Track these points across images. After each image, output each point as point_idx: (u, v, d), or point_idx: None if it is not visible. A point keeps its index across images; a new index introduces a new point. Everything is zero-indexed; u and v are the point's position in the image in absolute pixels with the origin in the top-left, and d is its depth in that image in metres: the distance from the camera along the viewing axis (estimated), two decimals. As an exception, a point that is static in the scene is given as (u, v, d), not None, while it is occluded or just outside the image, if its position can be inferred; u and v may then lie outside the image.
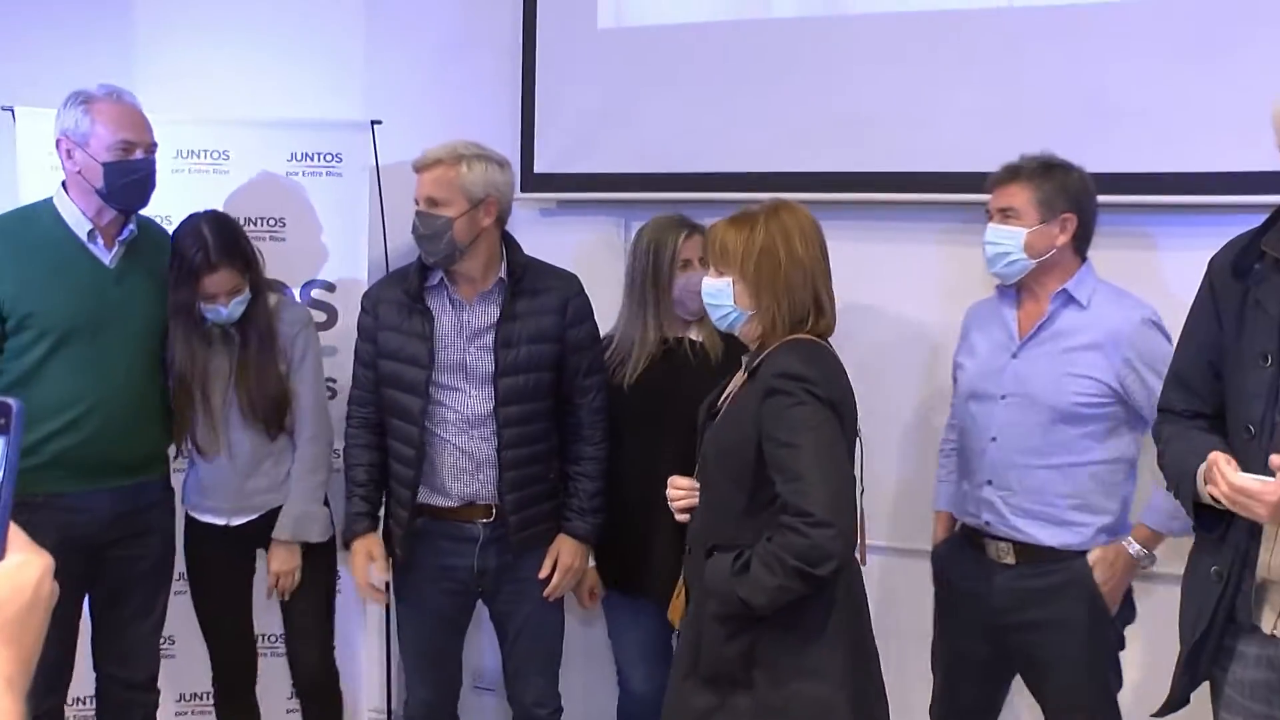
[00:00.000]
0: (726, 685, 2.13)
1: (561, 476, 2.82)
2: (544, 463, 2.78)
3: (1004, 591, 2.49)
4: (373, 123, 3.36)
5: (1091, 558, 2.43)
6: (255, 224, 3.24)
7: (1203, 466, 1.85)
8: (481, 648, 3.42)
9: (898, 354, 3.05)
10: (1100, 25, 2.78)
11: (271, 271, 3.01)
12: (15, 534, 0.92)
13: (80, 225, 2.75)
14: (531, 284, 2.73)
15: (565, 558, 2.77)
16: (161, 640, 3.30)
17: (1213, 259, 2.00)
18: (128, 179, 2.72)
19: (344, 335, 3.16)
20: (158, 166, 3.04)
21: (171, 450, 2.97)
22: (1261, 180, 2.57)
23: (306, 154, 3.35)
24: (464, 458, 2.71)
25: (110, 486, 2.77)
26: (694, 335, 2.81)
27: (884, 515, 3.01)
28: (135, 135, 2.74)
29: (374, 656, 3.51)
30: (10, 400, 0.91)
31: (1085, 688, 2.46)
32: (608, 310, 2.92)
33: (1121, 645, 2.52)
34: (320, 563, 2.97)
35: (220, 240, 2.78)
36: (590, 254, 3.32)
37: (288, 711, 3.35)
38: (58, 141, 2.75)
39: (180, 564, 3.07)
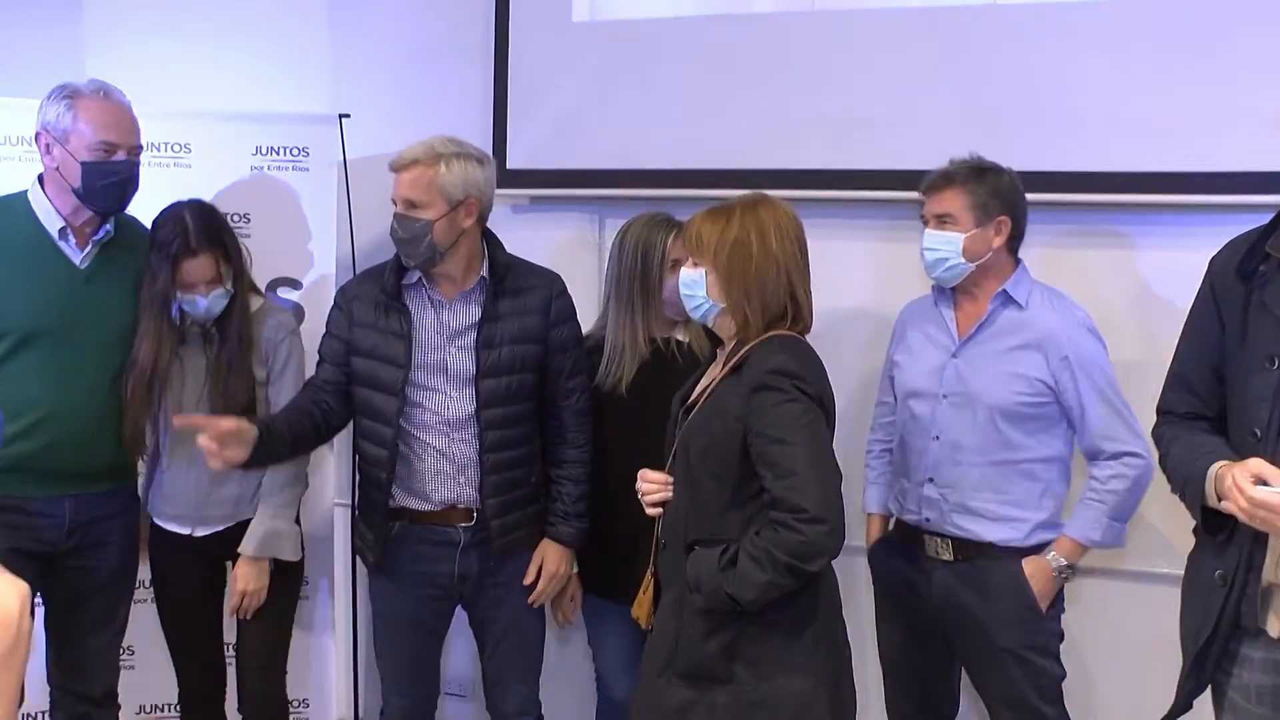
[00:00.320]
0: (705, 680, 2.12)
1: (544, 480, 2.76)
2: (527, 466, 2.72)
3: (941, 587, 2.54)
4: (340, 116, 3.27)
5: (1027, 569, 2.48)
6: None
7: (1213, 470, 1.84)
8: (455, 653, 3.35)
9: (875, 350, 3.03)
10: (1085, 22, 2.78)
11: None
12: None
13: (52, 222, 2.64)
14: (514, 283, 2.67)
15: (550, 564, 2.71)
16: (123, 651, 3.21)
17: (1213, 260, 2.00)
18: (106, 180, 2.61)
19: (311, 335, 3.06)
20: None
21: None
22: (1245, 181, 2.62)
23: (272, 148, 3.26)
24: (444, 461, 2.64)
25: (71, 493, 2.66)
26: (680, 335, 2.77)
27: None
28: (118, 136, 2.63)
29: (341, 664, 3.44)
30: None
31: (1021, 680, 2.49)
32: (581, 309, 2.85)
33: (1060, 637, 2.55)
34: (286, 585, 2.86)
35: (202, 225, 2.68)
36: (564, 252, 3.27)
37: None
38: (37, 135, 2.64)
39: (144, 572, 2.97)
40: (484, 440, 2.62)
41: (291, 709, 3.06)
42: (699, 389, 2.28)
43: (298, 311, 3.15)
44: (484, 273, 2.67)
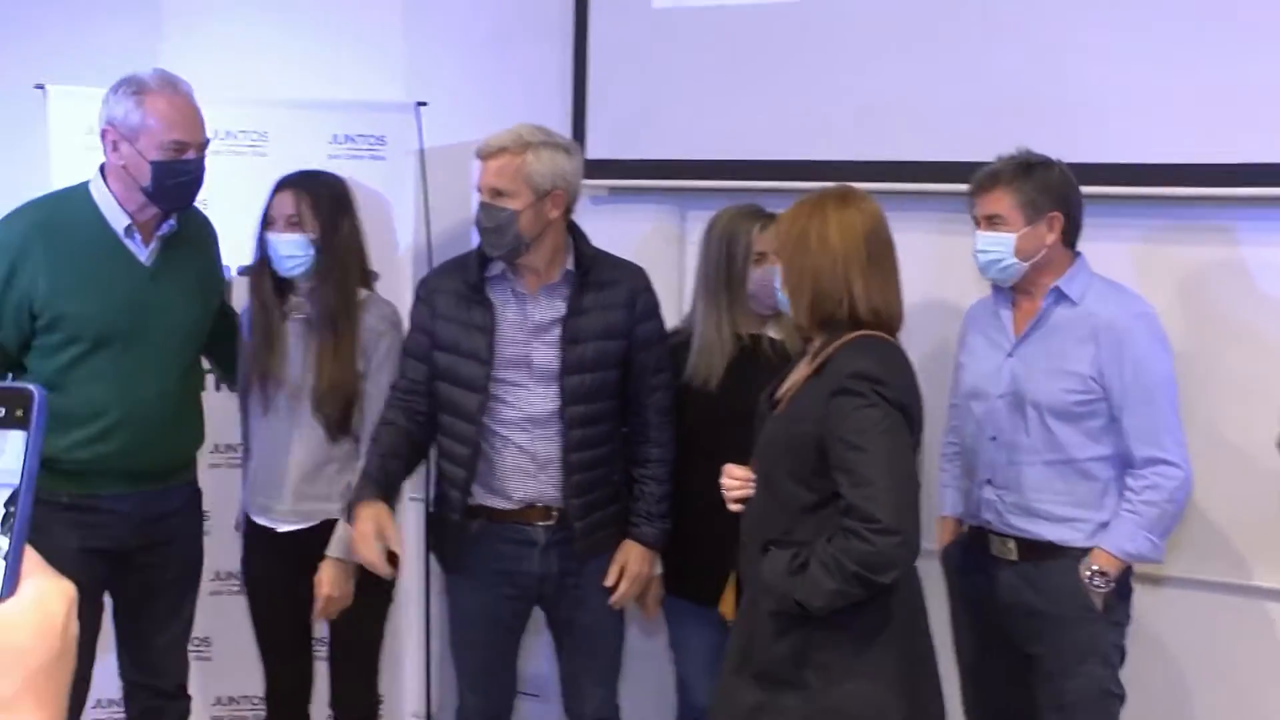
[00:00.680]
0: (776, 683, 2.09)
1: (627, 479, 2.70)
2: (609, 465, 2.65)
3: (1006, 588, 2.49)
4: (418, 104, 3.22)
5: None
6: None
7: None
8: (531, 652, 3.30)
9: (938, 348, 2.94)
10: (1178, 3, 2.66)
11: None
12: (31, 556, 0.69)
13: (118, 219, 2.56)
14: (598, 277, 2.60)
15: (633, 565, 2.65)
16: (198, 641, 3.20)
17: None
18: (177, 180, 2.54)
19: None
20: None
21: (201, 452, 2.83)
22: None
23: (349, 136, 3.22)
24: (526, 458, 2.58)
25: (138, 490, 2.61)
26: (772, 332, 2.69)
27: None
28: (189, 135, 2.55)
29: (414, 658, 3.41)
30: (31, 386, 0.71)
31: (1074, 686, 2.43)
32: (664, 305, 2.78)
33: (1121, 652, 2.46)
34: (378, 588, 2.76)
35: (310, 174, 2.71)
36: (645, 245, 3.19)
37: (212, 718, 3.25)
38: (104, 131, 2.55)
39: (228, 563, 2.95)
40: (568, 439, 2.56)
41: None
42: (785, 387, 2.22)
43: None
44: (569, 266, 2.60)
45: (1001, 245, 2.44)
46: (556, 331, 2.56)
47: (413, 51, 3.51)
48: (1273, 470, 2.51)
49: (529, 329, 2.58)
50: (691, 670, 2.83)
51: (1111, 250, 2.63)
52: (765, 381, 2.34)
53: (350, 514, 2.56)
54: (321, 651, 2.97)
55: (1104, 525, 2.41)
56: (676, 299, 3.13)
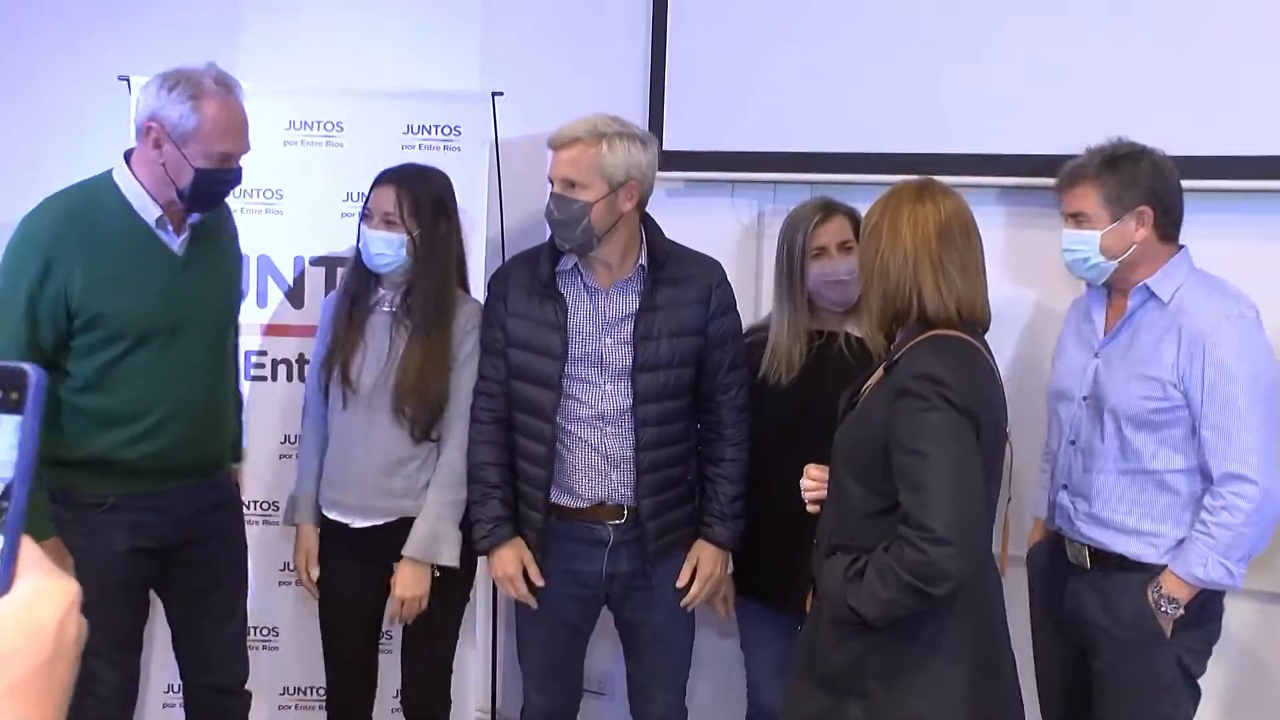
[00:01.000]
0: (839, 690, 2.03)
1: (700, 479, 2.63)
2: (683, 464, 2.59)
3: (1075, 596, 2.39)
4: (493, 94, 3.18)
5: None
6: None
7: None
8: (596, 650, 3.24)
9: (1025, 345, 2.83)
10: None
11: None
12: (30, 551, 0.65)
13: (148, 210, 2.46)
14: (673, 272, 2.54)
15: (705, 566, 2.59)
16: (266, 632, 3.21)
17: None
18: (216, 188, 2.48)
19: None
20: (270, 137, 2.88)
21: (270, 443, 2.81)
22: None
23: (424, 127, 3.18)
24: (596, 456, 2.53)
25: (184, 485, 2.55)
26: (852, 329, 2.60)
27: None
28: (237, 145, 2.46)
29: (480, 655, 3.38)
30: (26, 366, 0.65)
31: (1130, 708, 2.31)
32: (740, 302, 2.71)
33: (1189, 678, 2.32)
34: (454, 591, 2.72)
35: (410, 169, 2.66)
36: (721, 239, 3.11)
37: (280, 708, 3.22)
38: (147, 127, 2.42)
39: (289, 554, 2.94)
40: (640, 437, 2.50)
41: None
42: (865, 388, 2.14)
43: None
44: (642, 260, 2.54)
45: (1086, 244, 2.33)
46: (629, 327, 2.50)
47: (489, 41, 3.47)
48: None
49: (601, 324, 2.52)
50: (762, 672, 2.77)
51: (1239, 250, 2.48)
52: (842, 379, 2.27)
53: (485, 553, 2.60)
54: (387, 647, 2.94)
55: (1181, 543, 2.28)
56: (753, 295, 3.07)
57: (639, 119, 3.07)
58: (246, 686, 2.78)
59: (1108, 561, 2.34)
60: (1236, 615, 2.50)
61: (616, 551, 2.57)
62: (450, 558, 2.64)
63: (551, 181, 2.50)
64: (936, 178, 2.18)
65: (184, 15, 3.48)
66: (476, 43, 3.47)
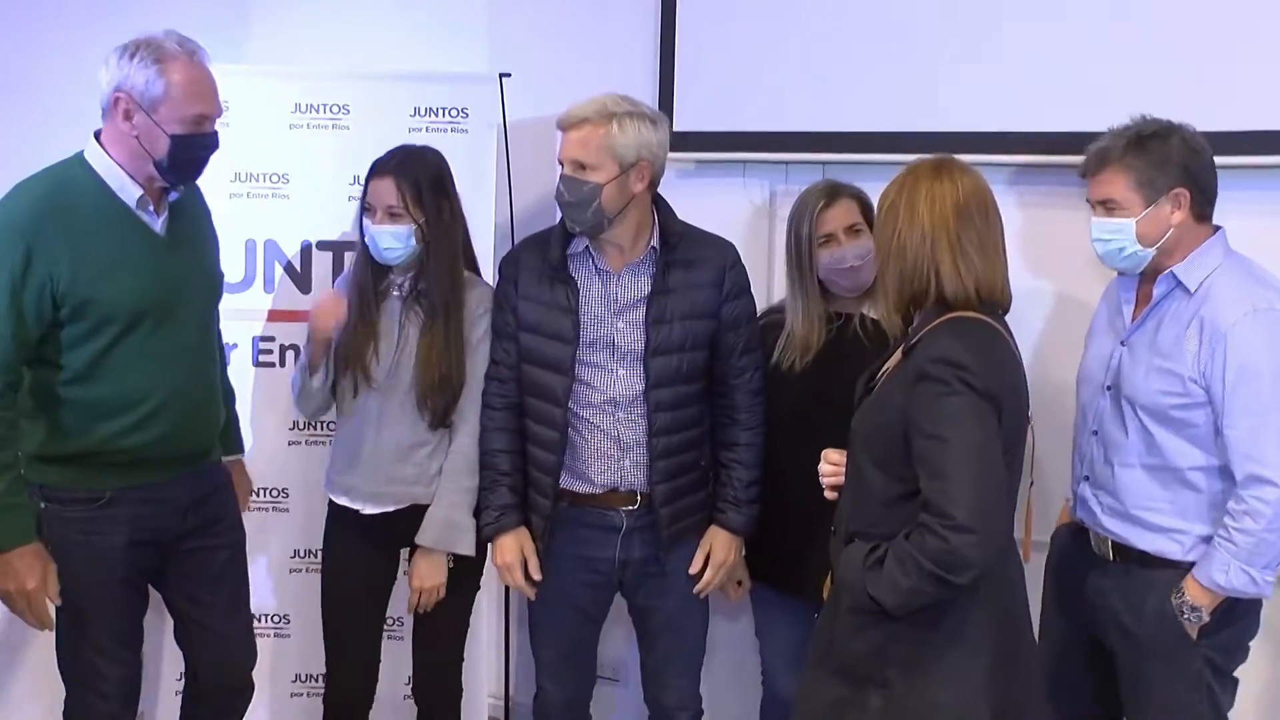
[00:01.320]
0: (859, 679, 2.01)
1: (713, 464, 2.60)
2: (697, 449, 2.56)
3: (1095, 590, 2.33)
4: (501, 75, 3.14)
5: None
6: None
7: None
8: (609, 637, 3.22)
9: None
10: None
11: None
12: None
13: (127, 191, 2.38)
14: (685, 254, 2.50)
15: (719, 552, 2.56)
16: (277, 619, 3.19)
17: None
18: (195, 155, 2.39)
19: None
20: (276, 121, 2.84)
21: (279, 429, 2.78)
22: None
23: (431, 109, 3.15)
24: (609, 442, 2.50)
25: (182, 473, 2.50)
26: (869, 311, 2.56)
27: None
28: (209, 106, 2.39)
29: (492, 643, 3.36)
30: None
31: (1155, 707, 2.26)
32: (753, 285, 2.66)
33: (1218, 675, 2.25)
34: (467, 579, 2.70)
35: (402, 155, 2.59)
36: (732, 220, 3.07)
37: (291, 695, 3.20)
38: (115, 98, 2.34)
39: (303, 541, 2.92)
40: (653, 422, 2.47)
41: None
42: (881, 372, 2.11)
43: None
44: (654, 242, 2.51)
45: (1120, 232, 2.21)
46: (641, 311, 2.47)
47: (496, 21, 3.43)
48: None
49: (613, 308, 2.49)
50: (777, 659, 2.75)
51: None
52: (858, 363, 2.23)
53: (491, 539, 2.58)
54: (398, 634, 2.91)
55: (1205, 540, 2.20)
56: (765, 277, 3.03)
57: (649, 99, 3.04)
58: (253, 676, 2.75)
59: (1130, 556, 2.28)
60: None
61: (629, 538, 2.54)
62: (467, 546, 2.62)
63: (561, 163, 2.46)
64: (954, 156, 2.13)
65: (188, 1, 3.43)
66: (483, 23, 3.43)
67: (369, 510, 2.67)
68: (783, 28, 3.02)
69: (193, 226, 2.55)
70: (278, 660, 3.18)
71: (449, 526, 2.60)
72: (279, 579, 3.17)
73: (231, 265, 2.91)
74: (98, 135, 2.42)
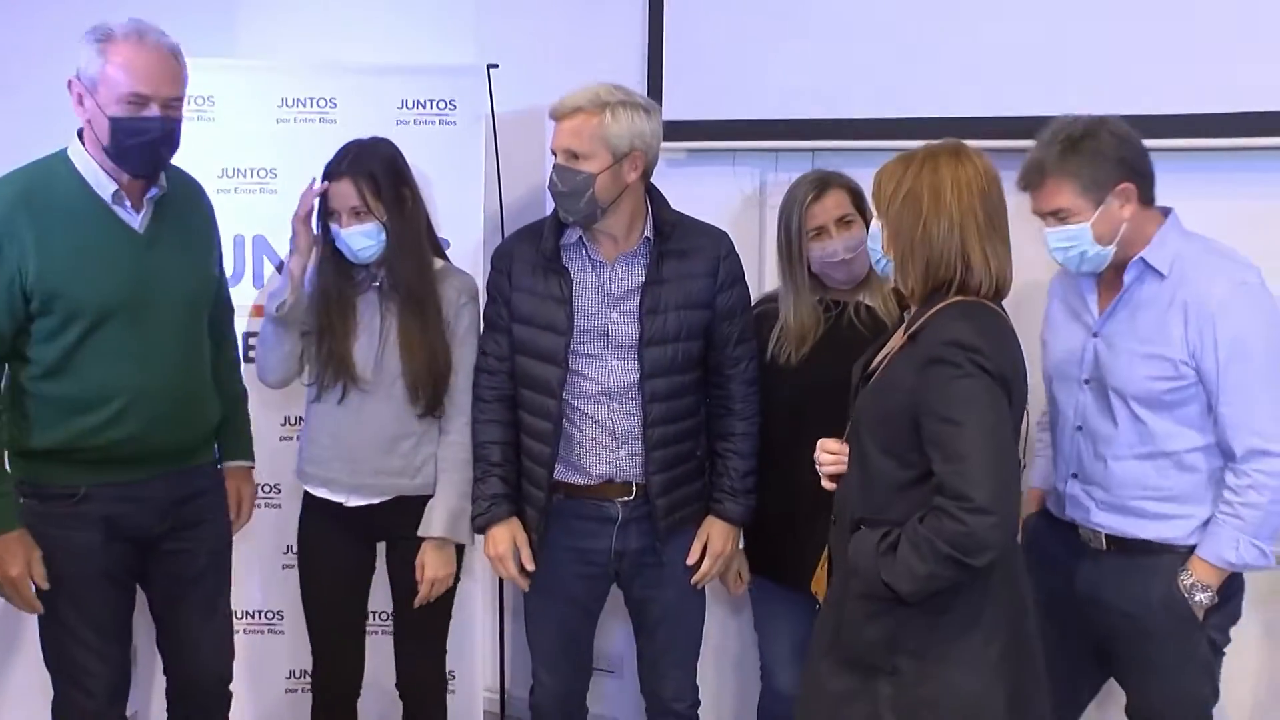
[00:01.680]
0: (867, 669, 1.99)
1: (709, 454, 2.59)
2: (692, 440, 2.55)
3: (1088, 582, 2.31)
4: (489, 67, 3.13)
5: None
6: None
7: None
8: (606, 628, 3.22)
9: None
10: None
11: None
12: None
13: (103, 185, 2.36)
14: (679, 243, 2.49)
15: (716, 542, 2.55)
16: (271, 615, 3.18)
17: None
18: (135, 140, 2.30)
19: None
20: (262, 115, 2.76)
21: (270, 425, 2.74)
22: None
23: (418, 101, 3.13)
24: (604, 433, 2.49)
25: (162, 473, 2.47)
26: (866, 299, 2.55)
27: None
28: (150, 87, 2.29)
29: (488, 635, 3.35)
30: None
31: (1162, 692, 2.25)
32: (745, 274, 2.66)
33: (1218, 654, 2.27)
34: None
35: (360, 154, 2.55)
36: (723, 210, 3.07)
37: (285, 691, 3.19)
38: (69, 83, 2.32)
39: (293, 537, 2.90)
40: (648, 413, 2.46)
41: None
42: (880, 357, 2.10)
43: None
44: (648, 232, 2.50)
45: (1077, 239, 2.19)
46: (635, 301, 2.46)
47: (483, 12, 3.41)
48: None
49: (607, 298, 2.48)
50: (777, 655, 2.73)
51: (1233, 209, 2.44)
52: (855, 352, 2.21)
53: (483, 530, 2.56)
54: (387, 629, 2.89)
55: (1207, 522, 2.20)
56: (756, 266, 3.03)
57: (638, 89, 3.00)
58: (240, 677, 2.73)
59: (1127, 546, 2.26)
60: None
61: (625, 529, 2.54)
62: (469, 535, 2.63)
63: (554, 152, 2.45)
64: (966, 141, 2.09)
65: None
66: (471, 15, 3.42)
67: (352, 502, 2.65)
68: (771, 16, 3.02)
69: (181, 225, 2.50)
70: (270, 657, 3.17)
71: (457, 516, 2.60)
72: (271, 575, 3.15)
73: (220, 260, 2.89)
74: (81, 131, 2.39)
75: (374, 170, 2.54)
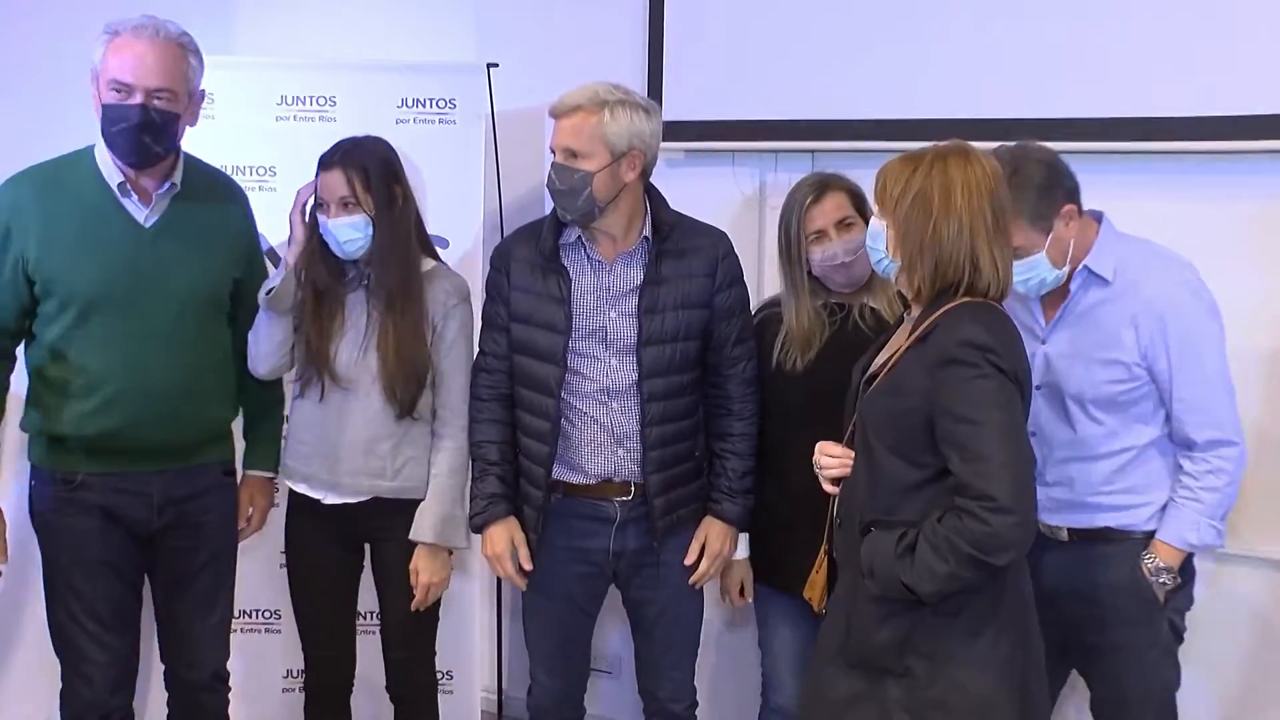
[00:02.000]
0: (876, 672, 1.98)
1: (707, 454, 2.59)
2: (691, 440, 2.55)
3: (1051, 573, 2.32)
4: (489, 65, 3.13)
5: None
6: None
7: None
8: (604, 629, 3.22)
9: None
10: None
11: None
12: None
13: (112, 177, 2.41)
14: (678, 243, 2.49)
15: (713, 543, 2.55)
16: (269, 614, 3.18)
17: None
18: (117, 126, 2.35)
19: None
20: (262, 113, 2.75)
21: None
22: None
23: (418, 100, 3.14)
24: (602, 432, 2.48)
25: (159, 470, 2.48)
26: (870, 301, 2.54)
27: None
28: (131, 76, 2.33)
29: (485, 633, 3.35)
30: None
31: (1129, 677, 2.29)
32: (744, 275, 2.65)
33: (1179, 639, 2.32)
34: None
35: (354, 147, 2.55)
36: (722, 211, 3.06)
37: (283, 690, 3.18)
38: (92, 76, 2.43)
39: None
40: (646, 413, 2.46)
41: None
42: (881, 358, 2.09)
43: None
44: (646, 232, 2.49)
45: (1035, 269, 2.22)
46: (634, 301, 2.46)
47: (483, 11, 3.42)
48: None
49: (605, 298, 2.47)
50: (778, 667, 2.67)
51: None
52: (858, 351, 2.20)
53: (481, 529, 2.56)
54: (372, 629, 2.89)
55: (1163, 507, 2.27)
56: (755, 267, 3.02)
57: (637, 89, 3.00)
58: (238, 676, 2.74)
59: (1087, 535, 2.31)
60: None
61: (623, 529, 2.53)
62: (465, 540, 2.62)
63: (553, 151, 2.45)
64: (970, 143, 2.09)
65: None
66: (471, 13, 3.42)
67: (330, 500, 2.64)
68: (771, 16, 3.03)
69: (197, 223, 2.51)
70: (268, 656, 3.17)
71: (447, 521, 2.59)
72: (269, 575, 3.14)
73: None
74: None
75: (366, 163, 2.54)
